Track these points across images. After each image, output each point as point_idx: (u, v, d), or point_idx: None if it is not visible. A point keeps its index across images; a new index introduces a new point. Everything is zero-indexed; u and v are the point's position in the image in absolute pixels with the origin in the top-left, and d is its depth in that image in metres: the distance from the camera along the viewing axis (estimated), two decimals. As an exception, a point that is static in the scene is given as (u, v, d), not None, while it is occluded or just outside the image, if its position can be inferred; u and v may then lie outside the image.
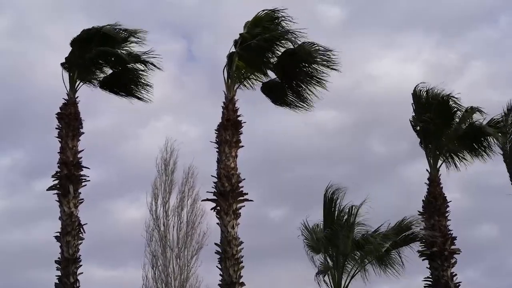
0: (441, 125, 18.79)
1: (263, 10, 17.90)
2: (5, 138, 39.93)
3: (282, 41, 17.97)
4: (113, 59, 18.66)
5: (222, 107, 17.64)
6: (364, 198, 17.65)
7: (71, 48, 18.33)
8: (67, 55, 18.37)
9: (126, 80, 19.28)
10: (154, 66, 18.66)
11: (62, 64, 18.50)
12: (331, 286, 17.44)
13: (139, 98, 19.45)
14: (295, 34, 17.60)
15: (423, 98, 19.00)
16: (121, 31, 18.42)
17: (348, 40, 41.50)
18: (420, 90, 19.00)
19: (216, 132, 17.52)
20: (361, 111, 41.49)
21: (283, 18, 17.88)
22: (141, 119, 41.22)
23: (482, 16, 45.59)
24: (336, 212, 17.95)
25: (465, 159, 19.44)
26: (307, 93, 18.58)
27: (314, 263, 17.71)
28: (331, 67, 17.76)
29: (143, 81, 19.20)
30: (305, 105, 18.85)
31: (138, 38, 18.47)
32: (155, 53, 18.53)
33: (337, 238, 17.39)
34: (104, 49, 18.16)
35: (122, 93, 19.48)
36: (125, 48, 18.68)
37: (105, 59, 18.66)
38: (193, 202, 30.10)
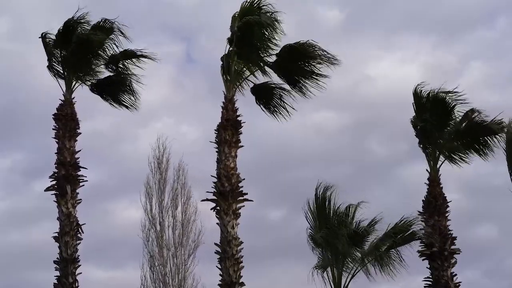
0: (440, 123, 18.74)
1: (248, 1, 17.65)
2: (5, 139, 39.96)
3: (271, 35, 17.76)
4: (95, 49, 18.42)
5: (222, 107, 17.58)
6: (361, 198, 17.83)
7: (55, 48, 18.41)
8: (48, 56, 18.48)
9: (114, 85, 19.19)
10: (140, 56, 18.62)
11: (48, 67, 18.57)
12: (332, 285, 17.46)
13: (125, 106, 19.36)
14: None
15: (424, 97, 18.96)
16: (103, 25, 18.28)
17: (346, 42, 41.53)
18: (421, 90, 18.95)
19: (216, 132, 17.47)
20: (360, 112, 41.55)
21: (269, 8, 17.65)
22: (141, 120, 41.20)
23: (481, 17, 45.62)
24: (331, 212, 17.96)
25: (465, 158, 19.37)
26: (303, 93, 18.38)
27: (316, 254, 17.74)
28: (330, 62, 17.66)
29: (131, 88, 19.10)
30: (283, 113, 18.71)
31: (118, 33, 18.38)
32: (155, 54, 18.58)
33: (335, 238, 17.38)
34: (78, 36, 17.93)
35: (109, 99, 19.38)
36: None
37: (84, 49, 18.27)
38: (186, 200, 29.73)
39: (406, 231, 17.75)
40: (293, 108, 18.69)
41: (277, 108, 18.79)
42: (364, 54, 41.52)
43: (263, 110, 18.84)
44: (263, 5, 17.69)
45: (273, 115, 18.84)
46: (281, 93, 18.65)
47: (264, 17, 17.42)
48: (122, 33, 18.35)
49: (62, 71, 18.48)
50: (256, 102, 18.81)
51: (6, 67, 36.90)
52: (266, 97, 18.75)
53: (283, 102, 18.68)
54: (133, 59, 18.80)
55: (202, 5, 41.89)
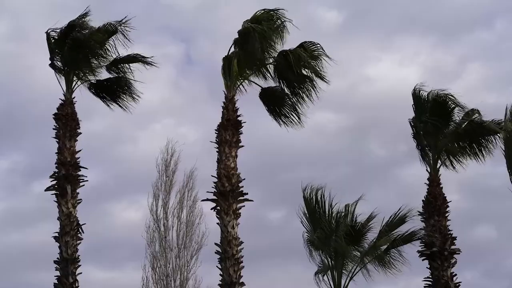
0: (440, 124, 18.76)
1: (263, 9, 17.77)
2: (5, 140, 40.02)
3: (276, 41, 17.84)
4: (93, 49, 18.33)
5: (222, 107, 17.60)
6: (358, 197, 17.86)
7: (56, 46, 18.37)
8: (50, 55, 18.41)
9: (113, 87, 19.17)
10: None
11: (50, 65, 18.53)
12: (331, 286, 17.47)
13: (121, 107, 19.31)
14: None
15: (423, 98, 18.98)
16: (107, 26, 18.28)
17: (345, 43, 41.62)
18: (420, 90, 18.99)
19: (216, 132, 17.49)
20: (359, 114, 41.62)
21: (281, 19, 17.74)
22: (141, 121, 41.24)
23: (479, 19, 45.71)
24: (326, 212, 17.96)
25: (463, 158, 19.38)
26: (302, 99, 18.42)
27: (313, 258, 17.76)
28: (320, 76, 17.78)
29: (130, 89, 19.08)
30: (297, 118, 18.67)
31: (122, 33, 18.36)
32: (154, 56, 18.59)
33: (331, 238, 17.38)
34: (73, 37, 17.90)
35: (106, 98, 19.32)
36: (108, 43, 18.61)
37: (82, 48, 18.16)
38: (193, 203, 30.45)
39: (400, 223, 17.80)
40: (304, 115, 18.70)
41: (289, 115, 18.77)
42: (363, 55, 41.71)
43: (275, 120, 18.87)
44: (276, 14, 17.74)
45: (285, 123, 18.86)
46: (293, 100, 18.60)
47: (265, 27, 17.48)
48: (125, 35, 18.39)
49: (62, 69, 18.48)
50: (268, 111, 18.81)
51: (6, 68, 36.97)
52: (277, 105, 18.71)
53: (296, 108, 18.63)
54: (134, 63, 18.84)
55: (202, 7, 42.03)
